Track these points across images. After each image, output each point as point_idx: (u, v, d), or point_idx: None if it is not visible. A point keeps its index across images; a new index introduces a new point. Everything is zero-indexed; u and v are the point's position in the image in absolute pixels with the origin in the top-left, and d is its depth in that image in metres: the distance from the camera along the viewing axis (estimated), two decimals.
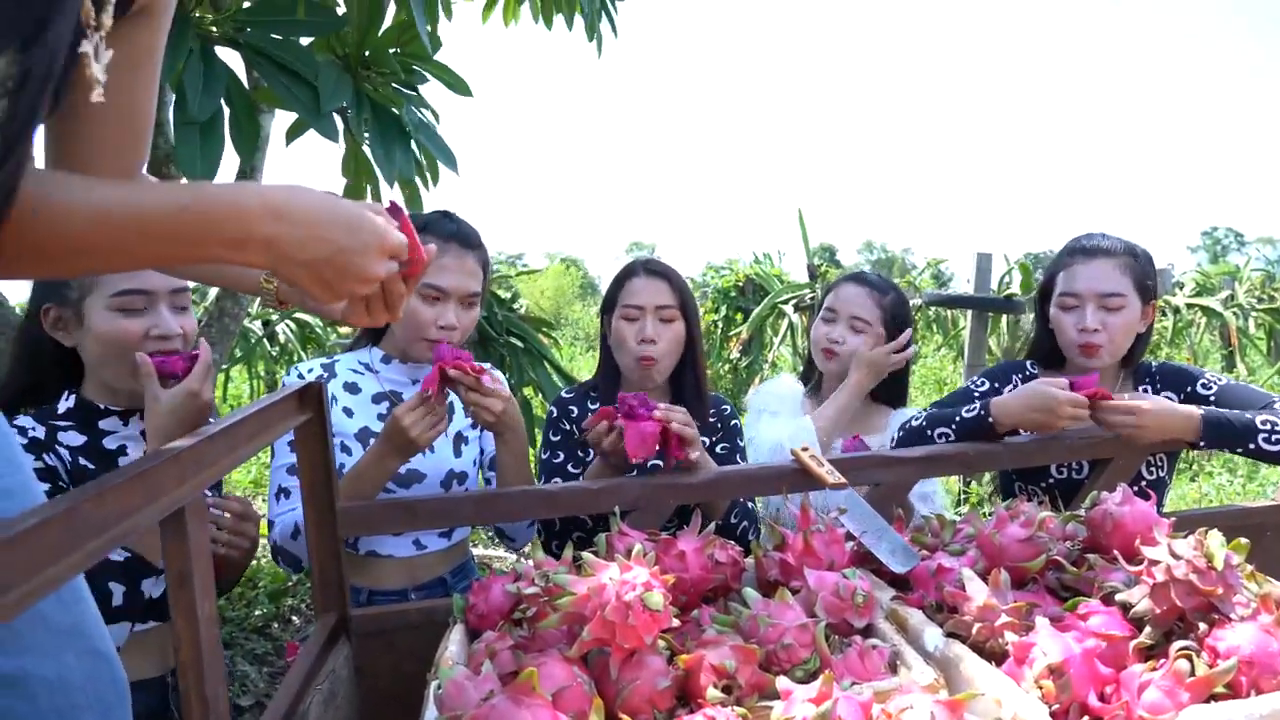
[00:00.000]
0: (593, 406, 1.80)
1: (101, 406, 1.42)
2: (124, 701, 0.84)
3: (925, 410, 1.79)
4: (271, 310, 1.06)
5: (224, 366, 3.02)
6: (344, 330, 5.65)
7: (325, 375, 1.64)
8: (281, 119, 2.67)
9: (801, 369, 2.23)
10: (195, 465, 0.82)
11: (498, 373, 1.73)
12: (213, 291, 5.83)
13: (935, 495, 2.01)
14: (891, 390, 2.03)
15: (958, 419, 1.65)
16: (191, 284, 1.48)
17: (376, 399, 1.66)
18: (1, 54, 0.57)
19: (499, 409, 1.46)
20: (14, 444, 0.83)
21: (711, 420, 1.81)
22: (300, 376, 1.62)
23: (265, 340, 5.66)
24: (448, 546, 1.71)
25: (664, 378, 1.77)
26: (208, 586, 0.83)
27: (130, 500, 0.69)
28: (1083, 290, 1.73)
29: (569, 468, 1.76)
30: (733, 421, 1.84)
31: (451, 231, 1.63)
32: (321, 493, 1.28)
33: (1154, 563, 1.02)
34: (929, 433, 1.68)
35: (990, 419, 1.61)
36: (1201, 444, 1.60)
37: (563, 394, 1.88)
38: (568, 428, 1.80)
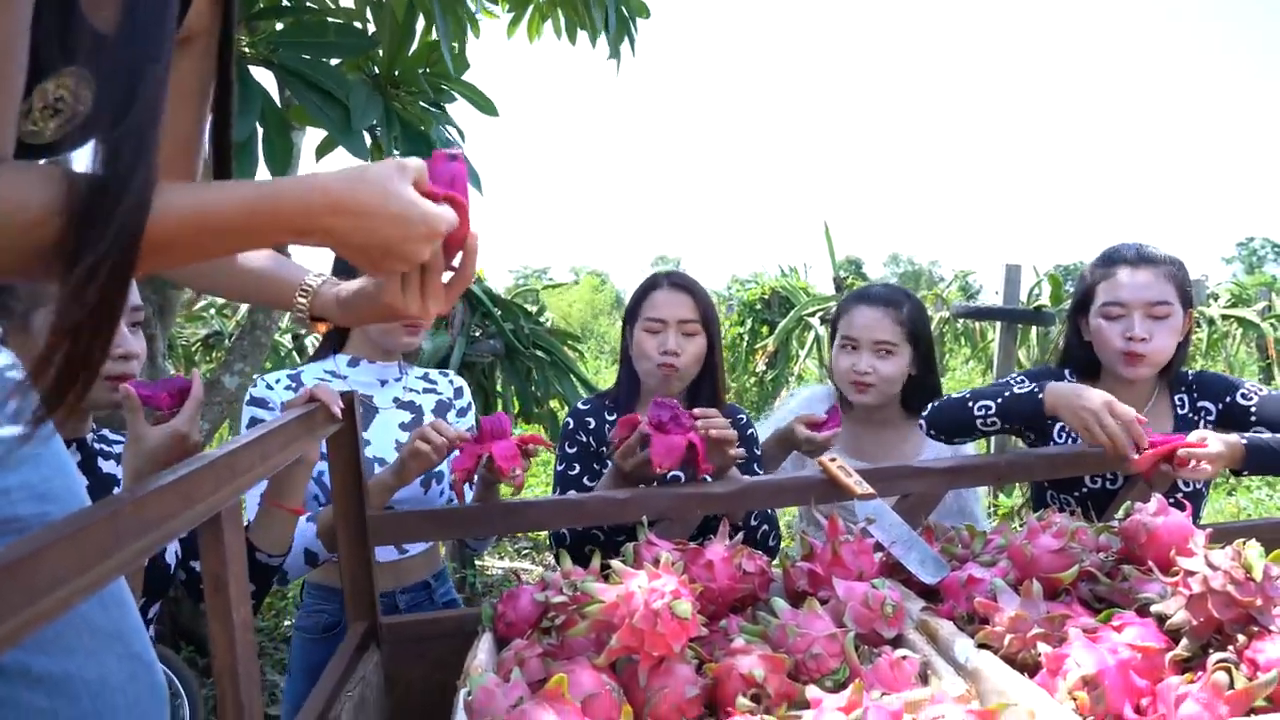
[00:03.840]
0: (610, 418, 1.79)
1: None
2: (162, 706, 0.86)
3: (965, 391, 1.76)
4: (304, 328, 1.06)
5: (255, 378, 3.07)
6: None
7: (293, 385, 1.66)
8: (312, 135, 2.72)
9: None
10: (230, 473, 0.84)
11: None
12: (244, 305, 5.93)
13: (979, 514, 1.99)
14: (921, 397, 1.96)
15: (1006, 394, 1.63)
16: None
17: None
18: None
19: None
20: (60, 449, 0.85)
21: None
22: (269, 387, 1.65)
23: (295, 353, 5.73)
24: (426, 549, 1.78)
25: (684, 385, 1.77)
26: (243, 591, 0.85)
27: (168, 505, 0.71)
28: (1129, 299, 1.69)
29: (584, 480, 1.75)
30: (749, 431, 1.84)
31: None
32: (353, 502, 1.29)
33: (1190, 574, 1.01)
34: (969, 404, 1.66)
35: (1040, 395, 1.57)
36: (1245, 471, 1.55)
37: (579, 405, 1.87)
38: (584, 439, 1.79)
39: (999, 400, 1.62)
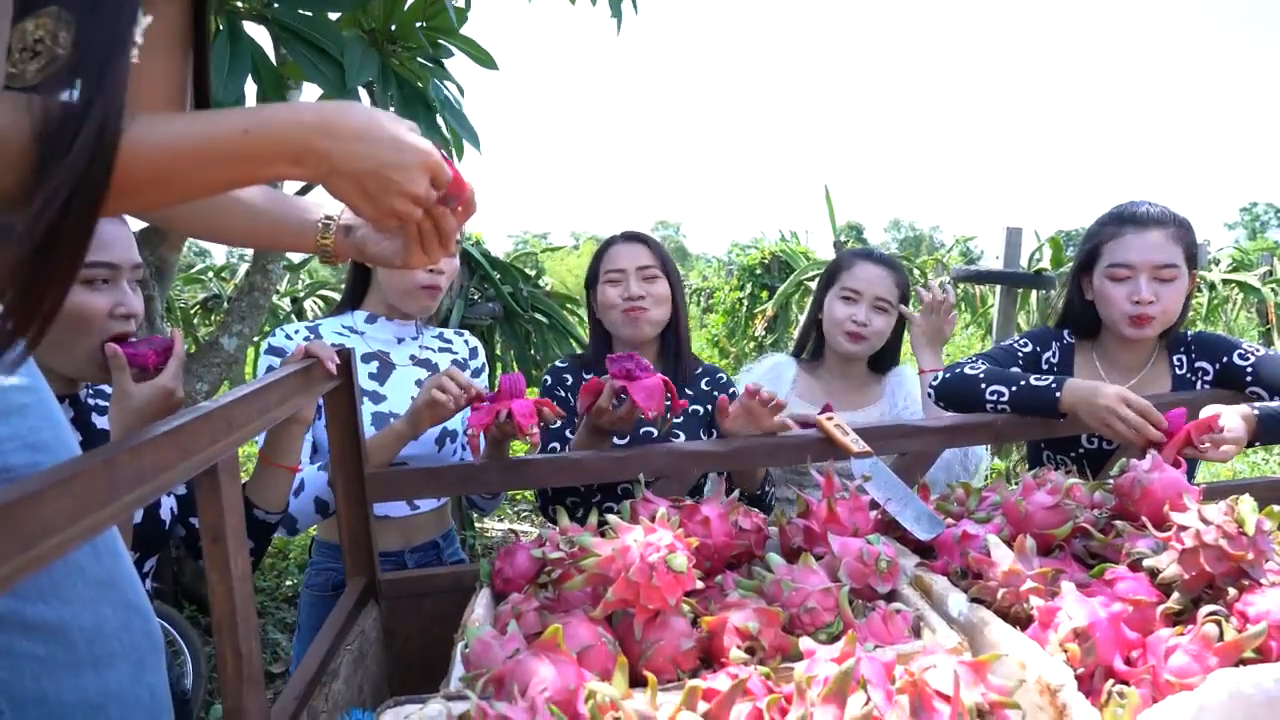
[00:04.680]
0: (588, 375, 1.81)
1: None
2: (158, 652, 0.87)
3: (975, 358, 1.74)
4: (329, 262, 1.07)
5: (253, 340, 3.06)
6: None
7: (311, 337, 1.66)
8: (308, 93, 2.70)
9: (798, 339, 2.20)
10: (226, 425, 0.84)
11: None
12: (242, 268, 5.90)
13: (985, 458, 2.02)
14: (883, 357, 2.05)
15: (1021, 383, 1.58)
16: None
17: (365, 359, 1.70)
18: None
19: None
20: (51, 400, 0.85)
21: (706, 389, 1.84)
22: (288, 338, 1.65)
23: (294, 315, 5.72)
24: (437, 507, 1.80)
25: (655, 331, 1.80)
26: (240, 543, 0.85)
27: (164, 456, 0.71)
28: (1137, 261, 1.67)
29: (567, 433, 1.77)
30: (730, 390, 1.86)
31: None
32: (351, 459, 1.30)
33: (1183, 528, 1.01)
34: (983, 387, 1.62)
35: (1059, 393, 1.53)
36: (1256, 442, 1.49)
37: (557, 364, 1.91)
38: (563, 395, 1.83)
39: (1013, 389, 1.58)
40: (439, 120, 2.18)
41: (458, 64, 2.30)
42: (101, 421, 1.31)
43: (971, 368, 1.69)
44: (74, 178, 0.58)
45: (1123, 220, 1.73)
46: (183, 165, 0.68)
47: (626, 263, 1.78)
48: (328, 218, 0.98)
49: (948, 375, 1.71)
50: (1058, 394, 1.53)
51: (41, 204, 0.58)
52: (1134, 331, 1.70)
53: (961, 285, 7.97)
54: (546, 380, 1.87)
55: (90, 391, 1.34)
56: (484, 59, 2.24)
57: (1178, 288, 1.68)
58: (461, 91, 2.31)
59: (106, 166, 0.60)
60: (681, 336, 1.84)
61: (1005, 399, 1.59)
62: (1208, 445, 1.37)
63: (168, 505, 1.34)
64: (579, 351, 3.52)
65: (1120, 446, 1.72)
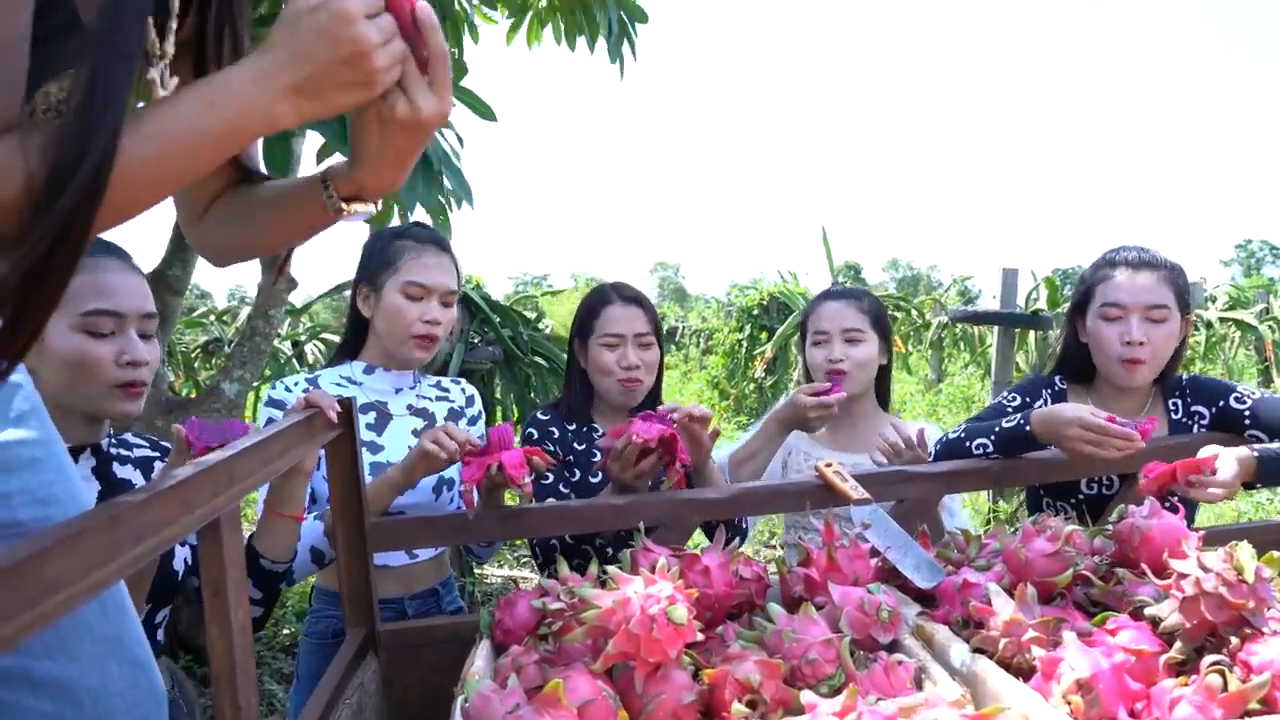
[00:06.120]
0: (571, 427, 1.81)
1: None
2: (161, 709, 0.87)
3: (959, 427, 1.77)
4: (341, 216, 0.92)
5: (254, 385, 3.07)
6: None
7: (310, 390, 1.66)
8: (312, 139, 2.74)
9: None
10: (228, 479, 0.85)
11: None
12: (244, 312, 5.94)
13: (957, 510, 2.01)
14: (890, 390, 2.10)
15: (997, 429, 1.62)
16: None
17: (363, 410, 1.70)
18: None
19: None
20: (62, 453, 0.86)
21: None
22: (288, 390, 1.67)
23: (294, 360, 5.74)
24: (435, 555, 1.80)
25: (643, 397, 1.81)
26: (241, 596, 0.85)
27: (169, 510, 0.71)
28: (1128, 301, 1.70)
29: (560, 488, 1.76)
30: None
31: (428, 235, 1.75)
32: (352, 509, 1.30)
33: (1183, 576, 1.01)
34: (967, 444, 1.65)
35: (1028, 427, 1.57)
36: (1258, 484, 1.48)
37: (538, 415, 1.87)
38: (551, 449, 1.80)
39: (992, 437, 1.62)
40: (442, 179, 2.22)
41: (457, 114, 2.34)
42: (123, 471, 1.31)
43: (955, 434, 1.72)
44: (68, 208, 0.59)
45: (1115, 263, 1.76)
46: (171, 166, 0.68)
47: (625, 329, 1.76)
48: (323, 175, 0.88)
49: (938, 448, 1.74)
50: (1027, 428, 1.57)
51: (38, 236, 0.59)
52: (1126, 377, 1.72)
53: (960, 325, 8.00)
54: (531, 434, 1.82)
55: (113, 441, 1.34)
56: (483, 111, 2.29)
57: (1168, 330, 1.70)
58: (461, 142, 2.35)
59: (96, 194, 0.61)
60: (659, 396, 1.87)
61: (991, 449, 1.62)
62: (1194, 484, 1.35)
63: (181, 556, 1.33)
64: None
65: (1119, 491, 1.72)
